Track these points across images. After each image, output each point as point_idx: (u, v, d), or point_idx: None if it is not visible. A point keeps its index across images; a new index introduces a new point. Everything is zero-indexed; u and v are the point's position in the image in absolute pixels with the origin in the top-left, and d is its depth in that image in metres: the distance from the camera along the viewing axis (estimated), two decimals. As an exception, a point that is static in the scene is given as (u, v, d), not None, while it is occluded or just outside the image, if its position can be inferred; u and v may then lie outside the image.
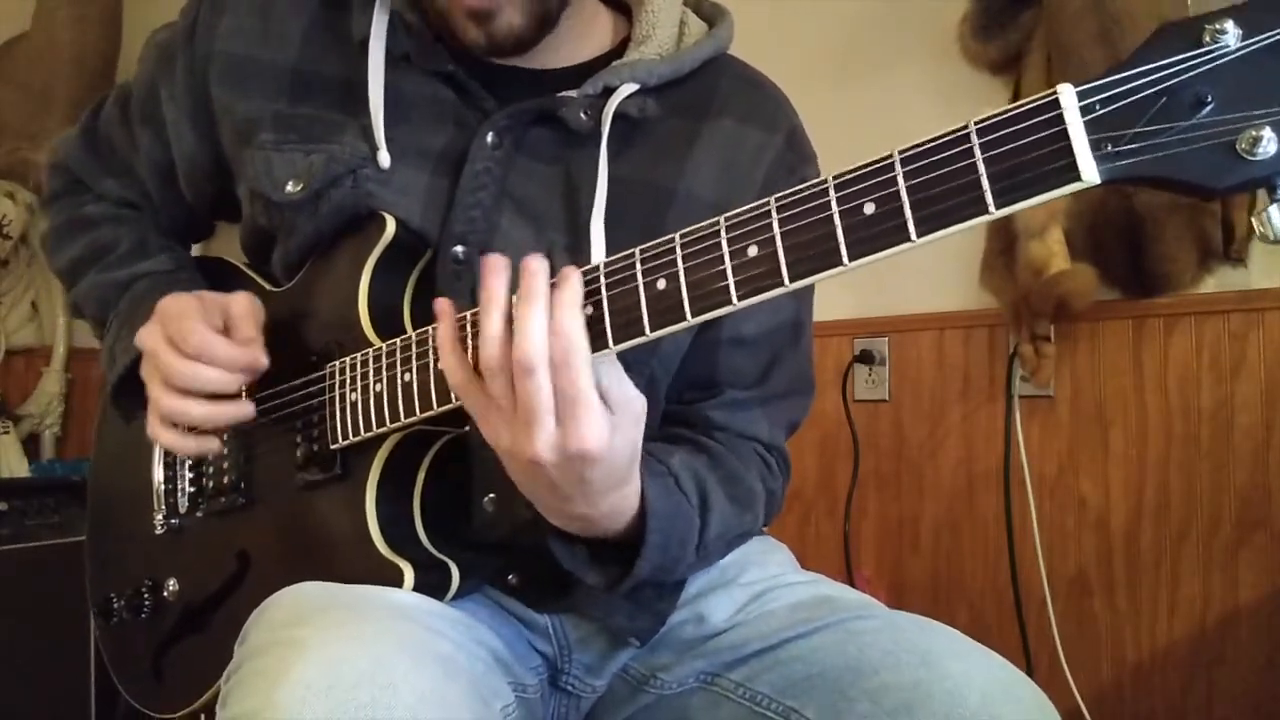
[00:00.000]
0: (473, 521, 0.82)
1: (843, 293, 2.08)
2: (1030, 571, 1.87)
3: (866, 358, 2.05)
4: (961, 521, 1.97)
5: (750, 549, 0.92)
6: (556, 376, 0.62)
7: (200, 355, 0.81)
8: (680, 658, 0.84)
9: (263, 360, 0.83)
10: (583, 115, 0.83)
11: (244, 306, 0.85)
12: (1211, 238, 1.72)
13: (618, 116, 0.83)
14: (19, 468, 2.57)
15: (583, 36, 0.90)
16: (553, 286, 0.64)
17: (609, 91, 0.84)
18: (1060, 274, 1.76)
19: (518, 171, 0.84)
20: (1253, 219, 0.52)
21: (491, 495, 0.81)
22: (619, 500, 0.71)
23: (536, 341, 0.62)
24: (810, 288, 0.96)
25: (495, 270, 0.65)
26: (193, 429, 0.86)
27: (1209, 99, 0.49)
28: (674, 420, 0.90)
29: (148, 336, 0.85)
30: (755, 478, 0.88)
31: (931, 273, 2.02)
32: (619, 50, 0.90)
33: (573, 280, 0.64)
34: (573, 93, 0.85)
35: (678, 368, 0.89)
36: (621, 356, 0.81)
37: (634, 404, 0.66)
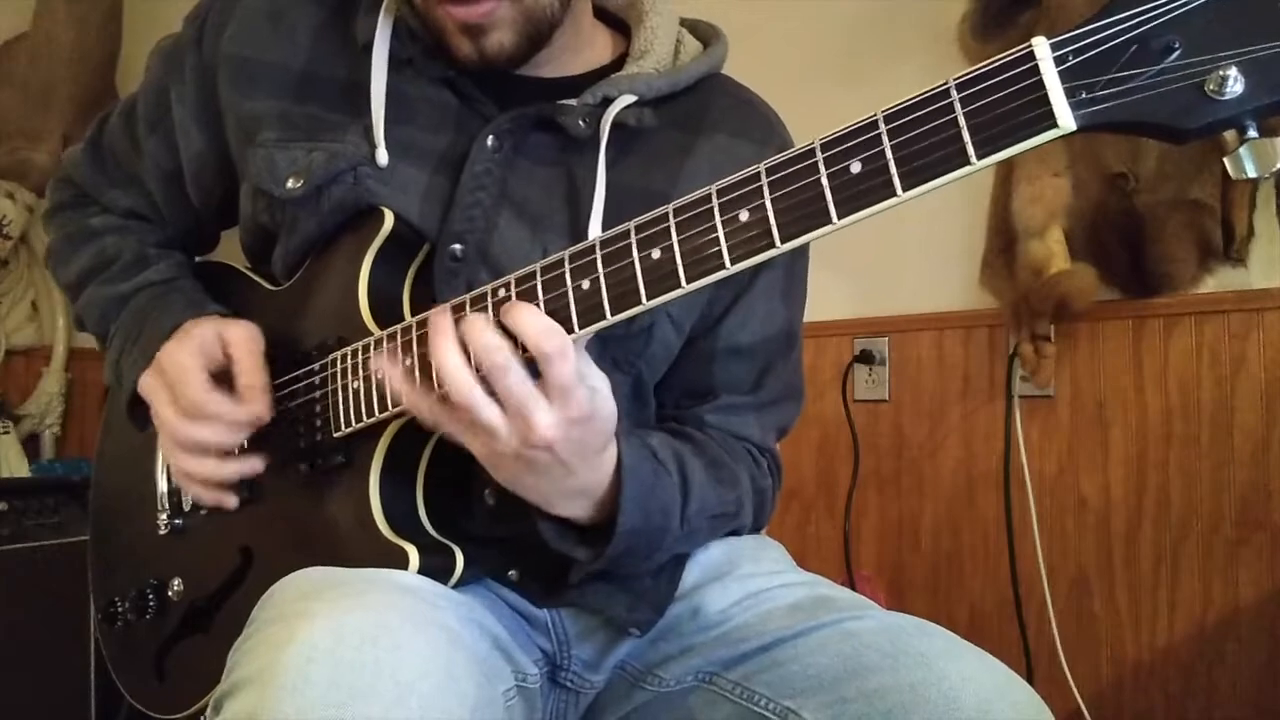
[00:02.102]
0: (474, 515, 0.83)
1: (843, 293, 2.08)
2: (1030, 571, 1.87)
3: (866, 358, 2.06)
4: (961, 521, 1.97)
5: (743, 544, 0.93)
6: (548, 368, 0.66)
7: (198, 416, 0.85)
8: (678, 654, 0.85)
9: (265, 414, 0.86)
10: (581, 123, 0.85)
11: (243, 343, 0.87)
12: (1211, 238, 1.73)
13: (615, 125, 0.85)
14: (19, 468, 2.57)
15: (580, 51, 0.93)
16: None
17: (607, 101, 0.86)
18: (1060, 274, 1.77)
19: (517, 174, 0.86)
20: (1225, 160, 0.53)
21: (490, 489, 0.82)
22: (609, 460, 0.75)
23: (496, 341, 0.66)
24: (803, 296, 0.99)
25: (439, 330, 0.69)
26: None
27: (1177, 44, 0.51)
28: (668, 422, 0.93)
29: (149, 388, 0.89)
30: (741, 469, 0.90)
31: (931, 273, 2.02)
32: (617, 65, 0.93)
33: (517, 303, 0.69)
34: (572, 101, 0.87)
35: (675, 378, 0.92)
36: (610, 356, 0.85)
37: (604, 381, 0.72)
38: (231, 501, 0.89)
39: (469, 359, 0.68)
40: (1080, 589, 1.85)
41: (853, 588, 0.94)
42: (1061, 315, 1.81)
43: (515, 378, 0.66)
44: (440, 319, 0.70)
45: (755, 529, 0.96)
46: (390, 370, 0.75)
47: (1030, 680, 1.53)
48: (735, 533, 0.93)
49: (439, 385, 0.70)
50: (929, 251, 2.02)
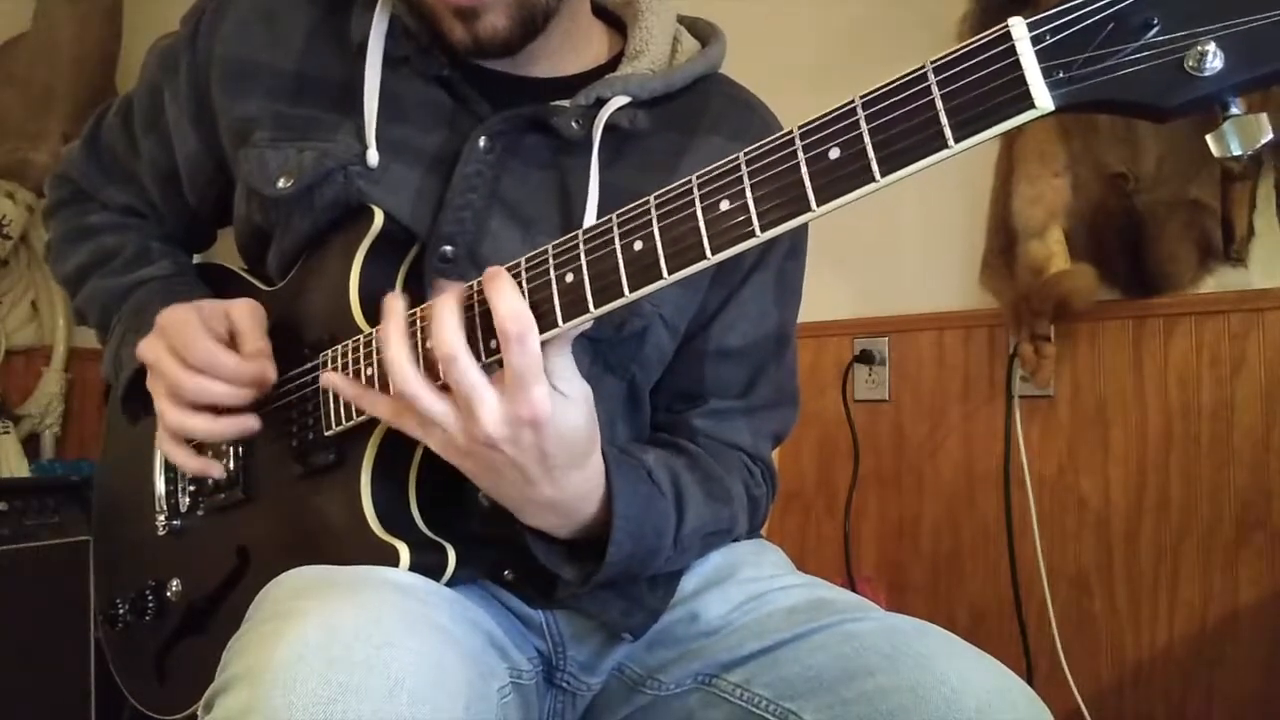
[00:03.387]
0: (470, 515, 0.83)
1: (843, 293, 2.08)
2: (1030, 571, 1.87)
3: (866, 358, 2.06)
4: (961, 521, 1.97)
5: (742, 549, 0.93)
6: (507, 352, 0.65)
7: (206, 369, 0.83)
8: (677, 658, 0.85)
9: (271, 374, 0.84)
10: (574, 124, 0.85)
11: (246, 314, 0.86)
12: (1211, 238, 1.73)
13: (609, 127, 0.85)
14: (19, 468, 2.57)
15: (577, 48, 0.92)
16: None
17: (601, 103, 0.86)
18: (1060, 274, 1.77)
19: (510, 175, 0.86)
20: (1208, 138, 0.53)
21: (484, 492, 0.82)
22: (583, 481, 0.73)
23: (450, 329, 0.66)
24: (796, 299, 0.98)
25: (388, 314, 0.70)
26: (200, 445, 0.88)
27: (1155, 21, 0.51)
28: (660, 429, 0.93)
29: (149, 349, 0.86)
30: (736, 480, 0.90)
31: (931, 273, 2.02)
32: (613, 64, 0.92)
33: (500, 273, 0.68)
34: (565, 102, 0.86)
35: (666, 381, 0.92)
36: (603, 360, 0.85)
37: (577, 384, 0.70)
38: (217, 470, 0.88)
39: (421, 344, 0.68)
40: (1080, 589, 1.85)
41: (853, 589, 0.94)
42: (1061, 315, 1.80)
43: (461, 367, 0.66)
44: (392, 306, 0.71)
45: (749, 535, 0.95)
46: (340, 384, 0.76)
47: (1030, 680, 1.53)
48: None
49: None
50: (929, 251, 2.02)
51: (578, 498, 0.74)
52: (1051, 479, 1.88)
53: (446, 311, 0.67)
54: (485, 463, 0.70)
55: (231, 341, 0.86)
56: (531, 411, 0.66)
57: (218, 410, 0.84)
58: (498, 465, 0.70)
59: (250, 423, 0.85)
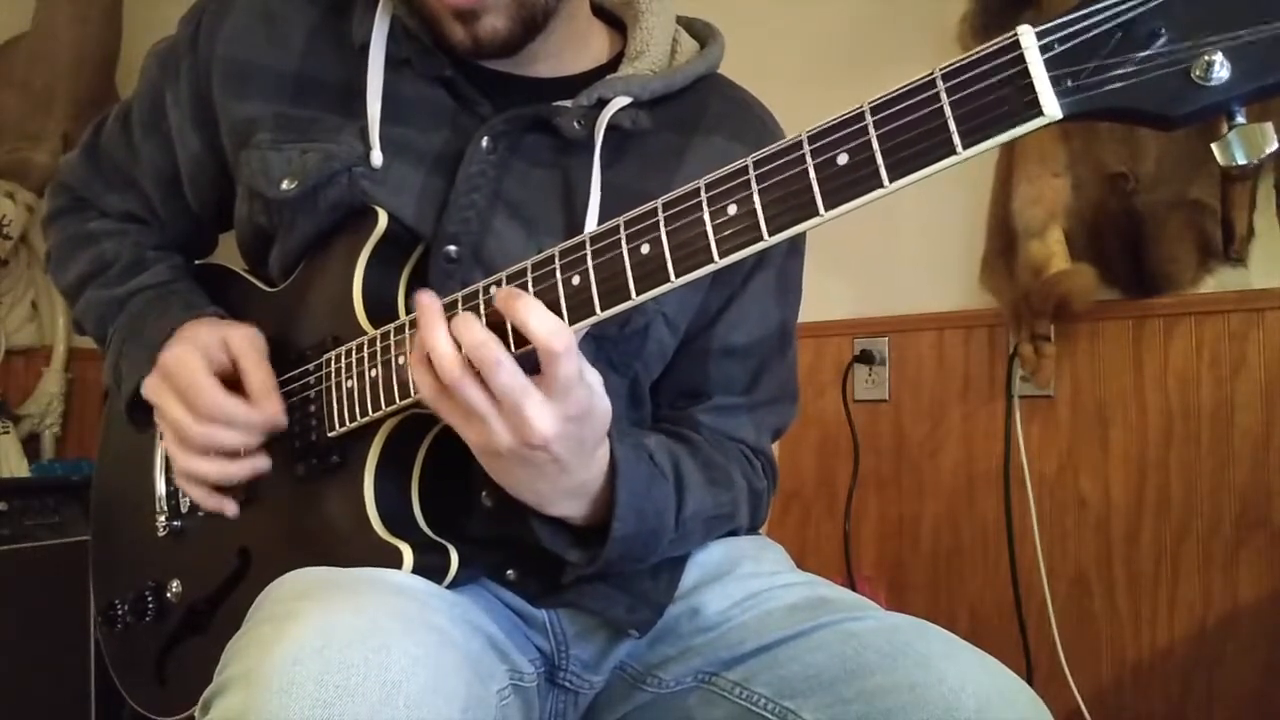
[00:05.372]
0: (472, 515, 0.84)
1: (843, 293, 2.08)
2: (1030, 571, 1.87)
3: (866, 358, 2.06)
4: (961, 521, 1.97)
5: (744, 545, 0.93)
6: (554, 366, 0.66)
7: (215, 419, 0.83)
8: (677, 655, 0.85)
9: (283, 420, 0.85)
10: (576, 124, 0.85)
11: (246, 346, 0.86)
12: (1211, 238, 1.73)
13: (611, 127, 0.85)
14: (19, 468, 2.57)
15: (578, 49, 0.92)
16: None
17: (603, 103, 0.86)
18: (1060, 274, 1.77)
19: (512, 175, 0.86)
20: (1214, 146, 0.53)
21: (488, 491, 0.82)
22: (601, 456, 0.75)
23: (486, 338, 0.66)
24: (797, 297, 0.98)
25: (429, 311, 0.69)
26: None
27: (1162, 30, 0.51)
28: (663, 422, 0.93)
29: (154, 392, 0.87)
30: (736, 470, 0.90)
31: (931, 273, 2.02)
32: (613, 64, 0.93)
33: (518, 292, 0.68)
34: (568, 102, 0.86)
35: (670, 378, 0.93)
36: (606, 357, 0.85)
37: (588, 368, 0.71)
38: (231, 509, 0.89)
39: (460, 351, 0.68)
40: (1080, 589, 1.85)
41: (853, 589, 0.94)
42: (1061, 315, 1.81)
43: (508, 374, 0.66)
44: (429, 301, 0.69)
45: (751, 530, 0.96)
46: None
47: (1030, 680, 1.53)
48: (733, 533, 0.93)
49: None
50: (929, 251, 2.02)
51: (600, 471, 0.75)
52: (1051, 479, 1.88)
53: (472, 323, 0.67)
54: (523, 460, 0.70)
55: (233, 369, 0.86)
56: (578, 409, 0.68)
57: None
58: (538, 462, 0.70)
59: (261, 464, 0.86)
